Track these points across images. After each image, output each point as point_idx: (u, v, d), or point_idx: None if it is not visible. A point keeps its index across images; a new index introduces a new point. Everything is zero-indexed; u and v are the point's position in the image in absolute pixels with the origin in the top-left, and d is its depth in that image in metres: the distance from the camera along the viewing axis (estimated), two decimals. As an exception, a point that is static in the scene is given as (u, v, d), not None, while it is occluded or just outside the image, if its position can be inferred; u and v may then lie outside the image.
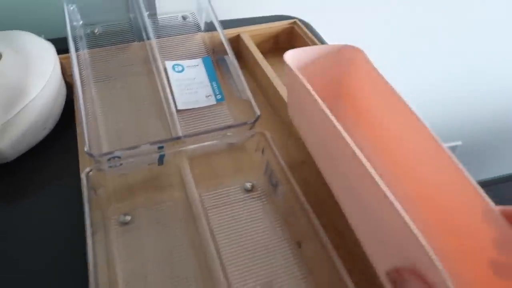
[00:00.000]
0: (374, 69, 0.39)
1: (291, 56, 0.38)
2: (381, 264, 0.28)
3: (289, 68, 0.36)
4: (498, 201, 0.29)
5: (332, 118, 0.31)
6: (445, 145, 0.32)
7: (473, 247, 0.31)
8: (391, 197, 0.25)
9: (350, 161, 0.29)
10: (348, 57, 0.41)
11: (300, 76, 0.35)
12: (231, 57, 0.45)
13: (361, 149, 0.29)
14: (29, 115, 0.41)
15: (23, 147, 0.42)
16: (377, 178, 0.26)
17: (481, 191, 0.29)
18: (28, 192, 0.41)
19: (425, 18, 0.86)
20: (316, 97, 0.33)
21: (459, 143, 1.25)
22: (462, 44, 0.95)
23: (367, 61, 0.40)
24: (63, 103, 0.47)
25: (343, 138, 0.29)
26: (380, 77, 0.38)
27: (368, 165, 0.27)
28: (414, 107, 0.36)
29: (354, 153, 0.28)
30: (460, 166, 0.31)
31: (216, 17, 0.47)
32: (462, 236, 0.32)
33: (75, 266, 0.31)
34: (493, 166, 1.33)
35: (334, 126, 0.30)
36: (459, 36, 0.93)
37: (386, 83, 0.38)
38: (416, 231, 0.24)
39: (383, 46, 0.86)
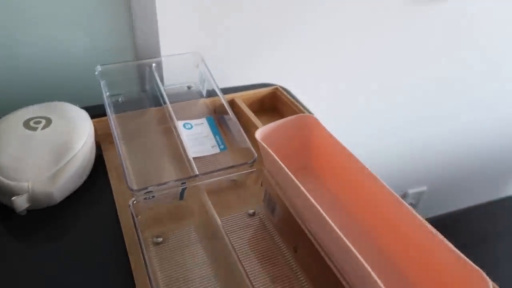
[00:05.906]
0: (327, 132, 0.49)
1: (261, 132, 0.49)
2: None
3: (260, 143, 0.46)
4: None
5: (301, 187, 0.39)
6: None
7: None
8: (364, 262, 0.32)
9: (321, 225, 0.37)
10: (305, 124, 0.51)
11: (270, 151, 0.45)
12: (231, 116, 0.58)
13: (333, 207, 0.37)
14: (73, 165, 0.52)
15: (67, 192, 0.52)
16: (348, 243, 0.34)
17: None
18: (74, 228, 0.50)
19: (386, 73, 1.02)
20: (286, 169, 0.41)
21: (424, 188, 1.40)
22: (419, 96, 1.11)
23: (321, 127, 0.50)
24: (94, 157, 0.58)
25: (311, 204, 0.38)
26: (333, 139, 0.48)
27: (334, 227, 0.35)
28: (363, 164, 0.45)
29: (322, 217, 0.36)
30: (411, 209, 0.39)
31: (218, 86, 0.61)
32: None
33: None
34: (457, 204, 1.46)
35: (305, 196, 0.39)
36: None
37: (339, 144, 0.48)
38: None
39: (346, 101, 1.01)
